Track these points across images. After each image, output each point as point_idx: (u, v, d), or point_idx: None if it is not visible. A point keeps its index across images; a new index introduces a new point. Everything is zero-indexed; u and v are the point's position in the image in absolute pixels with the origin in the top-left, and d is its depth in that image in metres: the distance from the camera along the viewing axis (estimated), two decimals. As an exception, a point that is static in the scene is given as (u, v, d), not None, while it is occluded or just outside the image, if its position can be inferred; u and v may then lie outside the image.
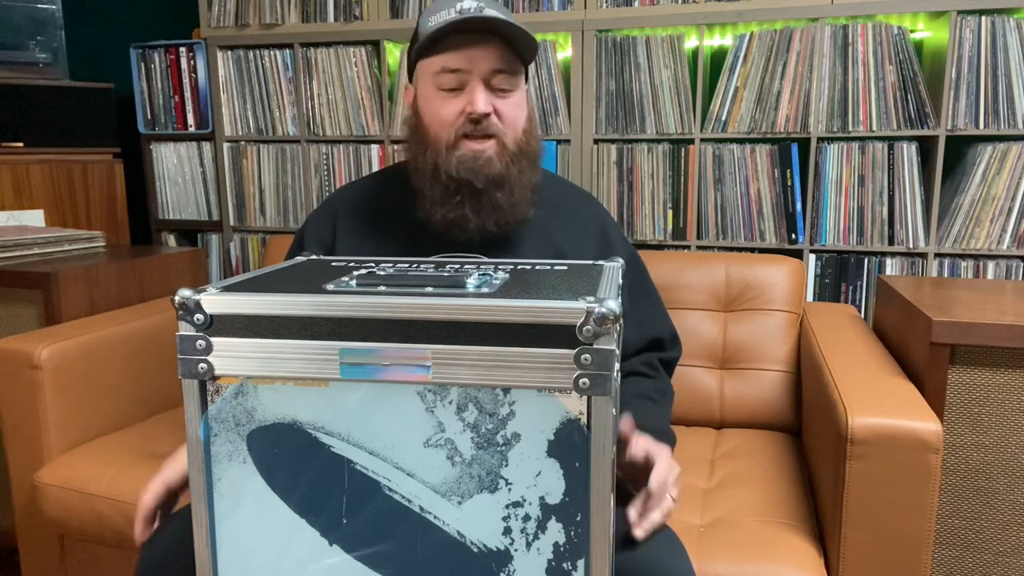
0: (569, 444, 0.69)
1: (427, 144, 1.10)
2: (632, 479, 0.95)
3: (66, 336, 1.49)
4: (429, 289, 0.75)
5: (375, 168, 2.18)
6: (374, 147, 2.19)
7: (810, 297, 1.91)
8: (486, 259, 1.06)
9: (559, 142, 2.03)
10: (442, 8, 1.06)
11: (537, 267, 0.91)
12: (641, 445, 0.94)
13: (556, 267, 0.91)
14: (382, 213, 1.19)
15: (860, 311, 1.87)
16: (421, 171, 1.11)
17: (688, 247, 1.97)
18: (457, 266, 0.91)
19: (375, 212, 1.20)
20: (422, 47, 1.08)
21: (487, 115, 1.05)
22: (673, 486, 0.93)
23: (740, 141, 1.91)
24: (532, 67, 2.00)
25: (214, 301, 0.73)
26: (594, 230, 1.20)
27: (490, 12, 1.03)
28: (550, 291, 0.74)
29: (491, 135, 1.07)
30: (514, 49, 1.06)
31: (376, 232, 1.18)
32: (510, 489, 0.71)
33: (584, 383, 0.68)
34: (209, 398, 0.75)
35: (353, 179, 2.20)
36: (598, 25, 1.95)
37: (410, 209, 1.12)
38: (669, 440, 1.06)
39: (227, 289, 0.76)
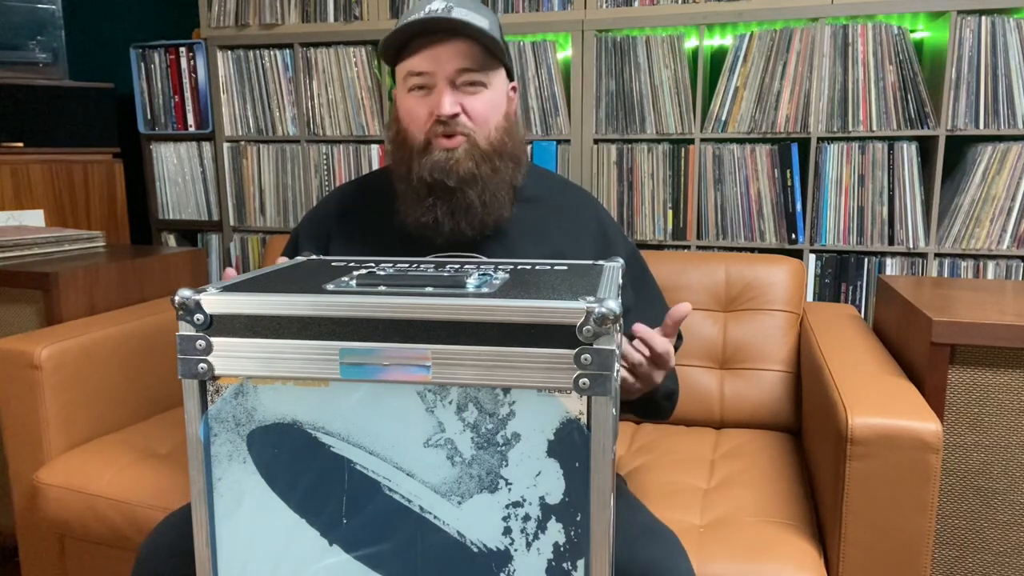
0: (569, 444, 0.69)
1: (404, 146, 1.11)
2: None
3: (66, 336, 1.49)
4: (429, 289, 0.75)
5: (375, 168, 2.18)
6: (374, 147, 2.19)
7: (810, 297, 1.91)
8: (486, 259, 1.06)
9: (559, 142, 2.03)
10: (413, 12, 1.07)
11: (537, 267, 0.91)
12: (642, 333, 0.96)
13: (556, 267, 0.91)
14: (371, 217, 1.19)
15: (860, 311, 1.87)
16: (398, 174, 1.12)
17: (688, 247, 1.97)
18: (457, 266, 0.91)
19: (365, 216, 1.20)
20: (387, 52, 1.09)
21: (454, 115, 1.06)
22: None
23: (740, 141, 1.91)
24: (532, 67, 2.00)
25: (214, 301, 0.73)
26: (593, 229, 1.19)
27: (458, 12, 1.04)
28: (550, 291, 0.74)
29: (461, 134, 1.07)
30: (484, 46, 1.06)
31: (366, 236, 1.18)
32: (510, 489, 0.71)
33: (584, 383, 0.68)
34: (209, 398, 0.75)
35: (352, 179, 2.21)
36: (598, 25, 1.95)
37: (395, 213, 1.13)
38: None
39: (227, 289, 0.76)
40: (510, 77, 1.16)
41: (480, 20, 1.05)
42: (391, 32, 1.06)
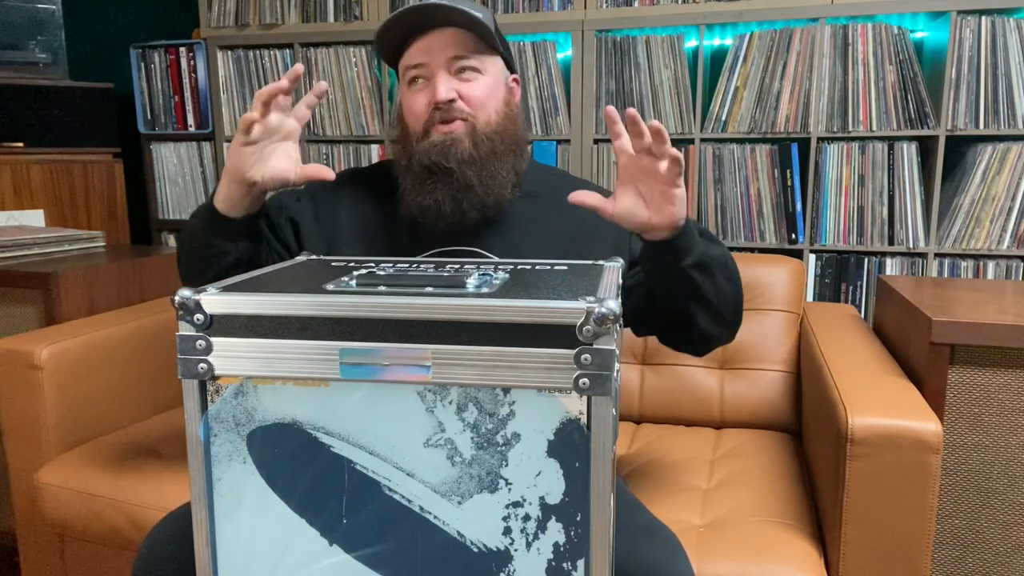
0: (569, 444, 0.69)
1: (405, 138, 1.13)
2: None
3: (66, 336, 1.49)
4: (429, 289, 0.75)
5: (375, 168, 2.19)
6: (374, 147, 2.19)
7: (810, 297, 1.91)
8: (486, 259, 1.06)
9: (559, 142, 2.03)
10: (403, 5, 1.09)
11: (537, 267, 0.91)
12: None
13: (556, 267, 0.91)
14: (373, 203, 1.19)
15: (860, 311, 1.87)
16: (400, 165, 1.14)
17: (688, 247, 1.97)
18: (457, 266, 0.91)
19: (367, 201, 1.20)
20: (386, 52, 1.12)
21: (451, 101, 1.07)
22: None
23: (740, 141, 1.91)
24: (532, 67, 2.00)
25: (214, 301, 0.73)
26: (596, 222, 1.18)
27: (448, 1, 1.05)
28: (550, 291, 0.74)
29: (460, 119, 1.08)
30: (476, 33, 1.07)
31: (369, 222, 1.18)
32: (510, 489, 0.71)
33: (584, 383, 0.68)
34: (209, 398, 0.75)
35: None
36: (598, 25, 1.95)
37: (396, 201, 1.13)
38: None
39: (227, 289, 0.76)
40: (511, 69, 1.17)
41: (472, 10, 1.06)
42: (382, 25, 1.08)
